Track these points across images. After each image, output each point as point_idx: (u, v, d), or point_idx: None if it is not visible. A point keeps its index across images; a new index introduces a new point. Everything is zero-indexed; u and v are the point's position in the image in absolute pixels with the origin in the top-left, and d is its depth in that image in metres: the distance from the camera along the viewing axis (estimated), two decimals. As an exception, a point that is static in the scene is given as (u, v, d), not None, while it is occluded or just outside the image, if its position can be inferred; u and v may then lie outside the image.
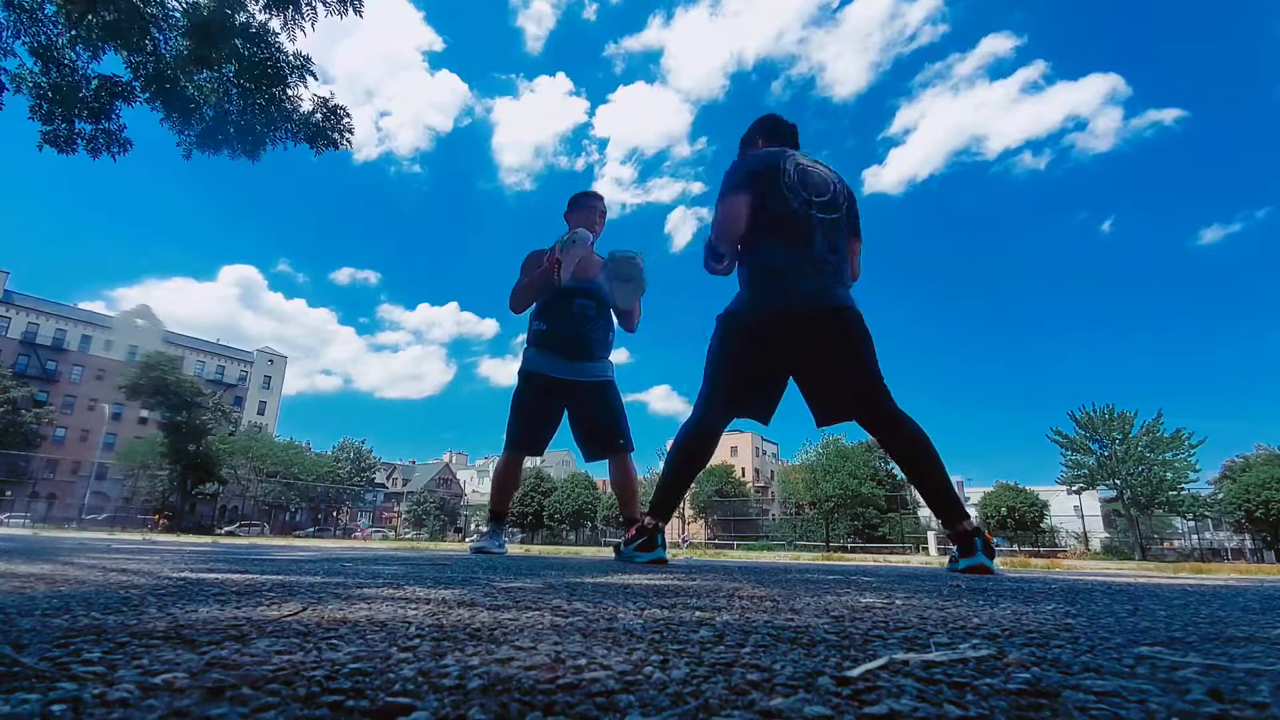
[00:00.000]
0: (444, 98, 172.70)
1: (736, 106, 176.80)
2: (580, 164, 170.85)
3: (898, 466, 2.63)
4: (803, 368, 2.60)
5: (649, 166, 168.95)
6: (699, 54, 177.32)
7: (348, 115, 6.64)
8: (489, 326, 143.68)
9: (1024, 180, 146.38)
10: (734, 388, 2.63)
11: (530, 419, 3.32)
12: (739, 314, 2.60)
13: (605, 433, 3.35)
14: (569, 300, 3.34)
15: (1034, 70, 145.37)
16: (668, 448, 2.77)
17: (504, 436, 3.37)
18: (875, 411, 2.49)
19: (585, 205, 3.60)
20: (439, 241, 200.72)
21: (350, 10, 6.18)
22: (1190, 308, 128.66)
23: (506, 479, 3.41)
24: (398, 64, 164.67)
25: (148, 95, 6.11)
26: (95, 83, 6.02)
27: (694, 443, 2.61)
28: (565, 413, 3.45)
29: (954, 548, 2.34)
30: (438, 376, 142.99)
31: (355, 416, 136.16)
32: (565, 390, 3.32)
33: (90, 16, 5.57)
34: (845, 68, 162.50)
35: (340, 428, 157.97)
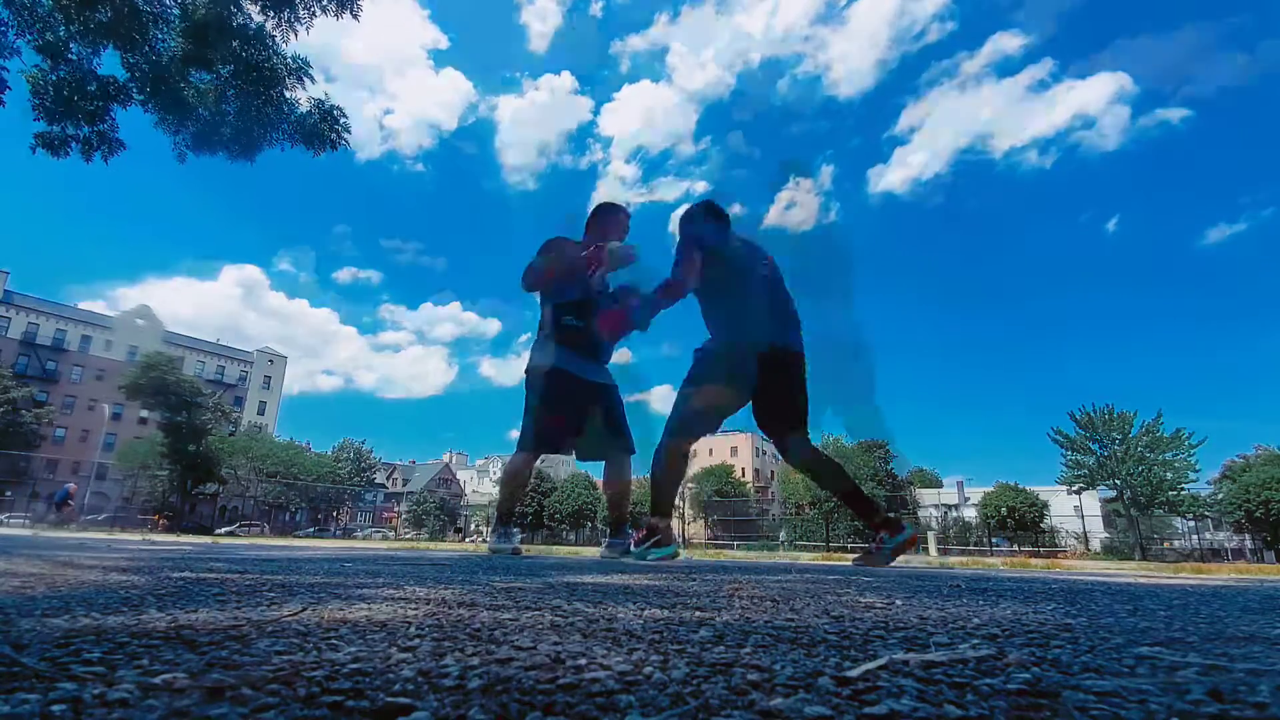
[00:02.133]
0: (448, 96, 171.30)
1: (742, 106, 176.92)
2: (584, 163, 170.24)
3: (817, 481, 3.23)
4: (768, 394, 3.04)
5: (653, 165, 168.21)
6: (705, 52, 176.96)
7: (344, 116, 6.63)
8: (491, 326, 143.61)
9: (1029, 178, 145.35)
10: (720, 411, 3.10)
11: (561, 416, 3.28)
12: (735, 345, 3.00)
13: (614, 435, 3.34)
14: (598, 302, 3.34)
15: (1041, 69, 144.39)
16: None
17: (521, 434, 3.28)
18: (804, 433, 3.08)
19: (612, 217, 3.59)
20: (442, 241, 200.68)
21: (348, 13, 6.18)
22: (1193, 307, 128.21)
23: (521, 478, 3.34)
24: (402, 61, 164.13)
25: (142, 97, 6.09)
26: (94, 85, 6.01)
27: (683, 460, 3.11)
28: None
29: (882, 534, 2.84)
30: (439, 376, 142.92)
31: (355, 416, 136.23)
32: (587, 390, 3.31)
33: (88, 12, 5.56)
34: (851, 66, 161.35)
35: (340, 428, 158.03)
